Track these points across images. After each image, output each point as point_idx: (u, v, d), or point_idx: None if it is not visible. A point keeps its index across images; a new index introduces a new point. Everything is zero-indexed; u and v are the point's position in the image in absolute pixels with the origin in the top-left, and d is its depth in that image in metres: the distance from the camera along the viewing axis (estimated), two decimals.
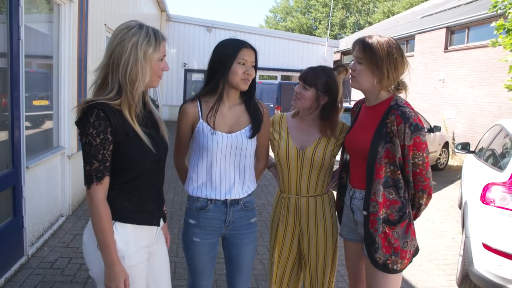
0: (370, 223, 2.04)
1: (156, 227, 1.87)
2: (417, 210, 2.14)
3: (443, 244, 4.94)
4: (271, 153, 2.45)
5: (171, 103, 18.12)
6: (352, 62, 2.13)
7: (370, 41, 2.03)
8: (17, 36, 3.46)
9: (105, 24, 6.60)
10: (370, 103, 2.15)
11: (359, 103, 2.34)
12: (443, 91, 13.06)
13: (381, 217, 2.02)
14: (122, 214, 1.72)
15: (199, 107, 2.11)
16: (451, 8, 15.49)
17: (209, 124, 2.07)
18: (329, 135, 2.33)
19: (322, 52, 19.04)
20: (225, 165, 2.11)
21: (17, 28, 3.45)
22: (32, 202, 3.93)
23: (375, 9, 35.78)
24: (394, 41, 2.05)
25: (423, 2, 27.12)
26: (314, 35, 33.11)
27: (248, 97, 2.18)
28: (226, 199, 2.12)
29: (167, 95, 17.96)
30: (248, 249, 2.24)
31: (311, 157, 2.32)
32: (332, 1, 29.18)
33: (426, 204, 2.12)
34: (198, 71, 18.30)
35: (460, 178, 7.01)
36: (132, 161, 1.70)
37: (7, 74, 3.41)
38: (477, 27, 11.91)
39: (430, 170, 2.05)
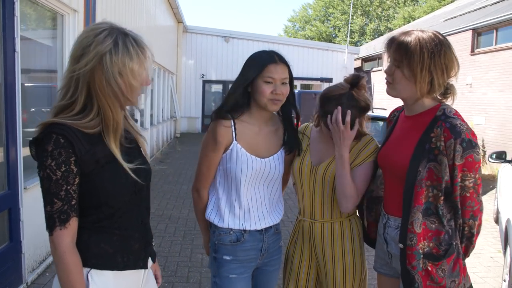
0: (408, 258, 1.67)
1: (143, 270, 1.53)
2: (468, 241, 1.74)
3: (481, 265, 4.47)
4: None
5: (190, 114, 18.04)
6: (388, 64, 1.74)
7: (408, 39, 1.66)
8: (12, 48, 3.25)
9: None
10: (411, 112, 1.79)
11: (397, 111, 1.98)
12: (471, 96, 12.46)
13: (420, 251, 1.66)
14: (99, 259, 1.39)
15: (233, 127, 1.86)
16: (476, 10, 14.86)
17: (242, 147, 1.86)
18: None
19: (342, 60, 18.65)
20: (259, 193, 1.93)
21: (12, 39, 3.24)
22: (33, 224, 3.66)
23: (395, 14, 35.11)
24: (440, 36, 1.67)
25: (445, 6, 26.43)
26: (334, 43, 32.68)
27: (284, 118, 1.99)
28: (262, 229, 1.95)
29: (185, 106, 17.87)
30: (274, 276, 2.04)
31: (322, 175, 1.98)
32: (351, 8, 28.73)
33: (479, 233, 1.74)
34: (217, 82, 18.18)
35: (493, 188, 6.48)
36: (106, 194, 1.38)
37: (1, 89, 3.18)
38: (507, 28, 11.32)
39: (480, 192, 1.68)
